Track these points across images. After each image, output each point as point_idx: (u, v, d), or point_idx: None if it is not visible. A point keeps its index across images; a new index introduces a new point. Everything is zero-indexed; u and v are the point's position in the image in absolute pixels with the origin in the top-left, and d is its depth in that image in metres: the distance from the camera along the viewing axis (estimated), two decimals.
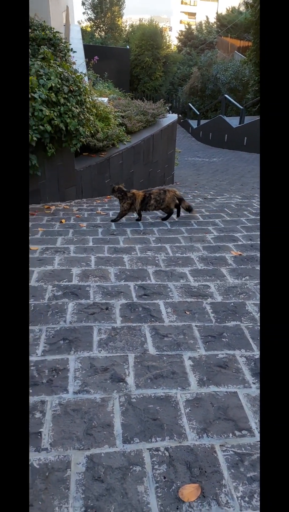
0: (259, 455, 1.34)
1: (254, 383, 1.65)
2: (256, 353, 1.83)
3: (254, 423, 1.46)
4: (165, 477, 1.25)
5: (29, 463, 1.27)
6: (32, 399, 1.52)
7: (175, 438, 1.39)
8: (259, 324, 2.06)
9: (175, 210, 3.94)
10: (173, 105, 25.30)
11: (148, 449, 1.35)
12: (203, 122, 18.55)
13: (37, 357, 1.75)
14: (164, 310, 2.17)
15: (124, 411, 1.49)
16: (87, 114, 4.38)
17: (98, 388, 1.59)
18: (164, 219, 3.92)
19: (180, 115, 23.88)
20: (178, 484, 1.23)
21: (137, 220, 3.94)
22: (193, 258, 2.90)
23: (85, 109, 4.36)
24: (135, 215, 3.97)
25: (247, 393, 1.60)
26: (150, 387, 1.61)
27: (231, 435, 1.41)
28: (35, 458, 1.29)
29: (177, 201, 3.86)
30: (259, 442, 1.38)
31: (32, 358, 1.75)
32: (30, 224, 3.64)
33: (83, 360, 1.74)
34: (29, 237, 3.23)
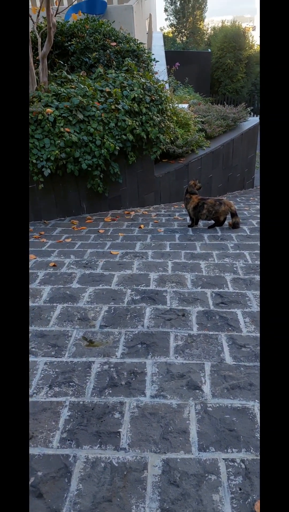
0: None
1: None
2: None
3: None
4: (240, 489, 1.24)
5: (109, 461, 1.34)
6: (112, 400, 1.60)
7: (251, 450, 1.37)
8: None
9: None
10: (255, 106, 24.61)
11: (223, 459, 1.35)
12: None
13: (117, 359, 1.83)
14: (242, 320, 2.14)
15: (200, 419, 1.50)
16: (168, 122, 4.46)
17: (175, 394, 1.62)
18: (210, 226, 3.82)
19: None
20: (254, 497, 1.22)
21: (189, 226, 3.86)
22: None
23: (166, 117, 4.44)
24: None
25: None
26: (226, 397, 1.61)
27: None
28: (114, 456, 1.36)
29: (230, 215, 3.74)
30: None
31: (112, 360, 1.83)
32: (111, 229, 3.80)
33: (160, 365, 1.78)
34: (110, 242, 3.37)
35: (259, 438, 1.41)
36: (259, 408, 1.54)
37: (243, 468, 1.31)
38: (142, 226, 3.90)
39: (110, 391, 1.64)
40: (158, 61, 5.79)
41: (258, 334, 2.00)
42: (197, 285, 2.55)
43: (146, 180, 4.72)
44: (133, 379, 1.70)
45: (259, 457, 1.34)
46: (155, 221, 4.14)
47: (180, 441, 1.41)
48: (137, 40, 5.24)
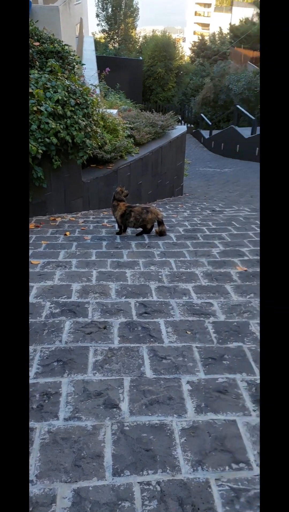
0: (256, 490, 1.25)
1: (254, 410, 1.57)
2: (258, 378, 1.75)
3: (252, 454, 1.38)
4: None
5: None
6: None
7: (167, 471, 1.32)
8: None
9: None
10: (186, 115, 25.38)
11: (138, 482, 1.28)
12: (215, 132, 18.53)
13: (29, 380, 1.70)
14: (164, 330, 2.10)
15: (116, 440, 1.42)
16: (94, 127, 4.37)
17: (90, 415, 1.53)
18: (138, 234, 3.79)
19: (192, 126, 23.93)
20: None
21: (117, 233, 3.80)
22: (197, 274, 2.83)
23: (92, 122, 4.35)
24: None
25: (247, 421, 1.52)
26: (145, 413, 1.54)
27: (227, 468, 1.33)
28: None
29: (156, 224, 3.74)
30: (256, 476, 1.30)
31: None
32: (34, 236, 3.62)
33: (76, 384, 1.68)
34: (32, 251, 3.20)
35: (175, 457, 1.36)
36: (176, 423, 1.50)
37: (158, 491, 1.25)
38: (68, 233, 3.76)
39: None
40: (84, 64, 5.70)
41: (179, 344, 1.97)
42: (121, 295, 2.48)
43: (73, 186, 4.59)
44: (46, 401, 1.58)
45: (174, 477, 1.29)
46: (82, 228, 4.02)
47: (93, 466, 1.32)
48: (62, 41, 5.10)
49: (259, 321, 2.20)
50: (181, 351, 1.92)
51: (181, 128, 6.56)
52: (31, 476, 1.28)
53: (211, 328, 2.13)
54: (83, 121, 4.13)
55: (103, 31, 33.27)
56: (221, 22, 41.72)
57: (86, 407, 1.56)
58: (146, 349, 1.93)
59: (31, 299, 2.37)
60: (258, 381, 1.72)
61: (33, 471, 1.29)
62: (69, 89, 4.09)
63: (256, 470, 1.32)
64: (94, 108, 4.49)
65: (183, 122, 24.75)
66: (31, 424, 1.47)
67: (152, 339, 2.01)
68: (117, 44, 32.60)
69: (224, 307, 2.36)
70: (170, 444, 1.41)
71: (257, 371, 1.80)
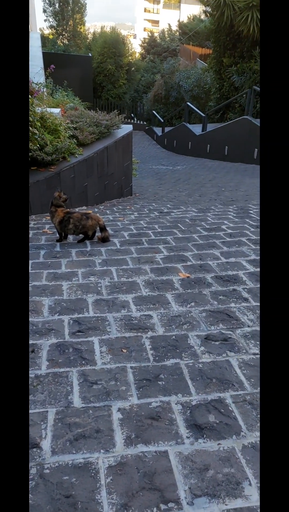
0: None
1: (187, 437, 1.47)
2: (194, 398, 1.66)
3: (183, 491, 1.28)
4: None
5: None
6: None
7: None
8: (199, 361, 1.90)
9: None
10: (138, 112, 25.29)
11: None
12: (167, 129, 18.57)
13: None
14: (98, 350, 1.97)
15: (33, 487, 1.27)
16: (31, 128, 4.14)
17: None
18: (79, 241, 3.63)
19: (145, 123, 23.88)
20: None
21: (58, 240, 3.61)
22: (139, 283, 2.72)
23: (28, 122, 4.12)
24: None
25: (179, 451, 1.42)
26: (69, 451, 1.40)
27: (155, 509, 1.22)
28: None
29: (98, 230, 3.60)
30: None
31: None
32: None
33: None
34: None
35: (99, 501, 1.23)
36: (103, 460, 1.37)
37: None
38: None
39: None
40: None
41: (113, 366, 1.85)
42: (54, 312, 2.32)
43: None
44: None
45: None
46: None
47: None
48: None
49: (197, 333, 2.11)
50: (114, 374, 1.79)
51: (127, 128, 6.42)
52: None
53: (148, 344, 2.02)
54: None
55: (51, 27, 32.51)
56: (170, 19, 41.96)
57: None
58: (76, 373, 1.79)
59: None
60: (193, 402, 1.63)
61: None
62: None
63: (186, 509, 1.22)
64: (30, 109, 4.25)
65: (135, 119, 24.66)
66: None
67: (83, 362, 1.87)
68: (66, 40, 31.96)
69: (164, 319, 2.26)
70: (94, 487, 1.28)
71: (193, 390, 1.71)
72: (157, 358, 1.92)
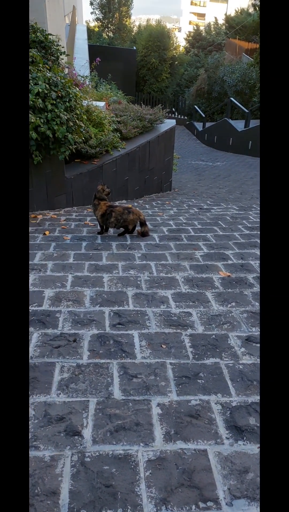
0: None
1: (227, 438, 1.46)
2: (234, 399, 1.64)
3: (222, 491, 1.27)
4: None
5: None
6: None
7: (128, 511, 1.20)
8: (240, 362, 1.87)
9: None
10: (179, 107, 25.08)
11: None
12: (208, 124, 18.32)
13: None
14: (138, 344, 1.98)
15: (75, 473, 1.31)
16: (77, 121, 4.20)
17: (50, 443, 1.41)
18: (120, 234, 3.66)
19: (186, 117, 23.66)
20: None
21: (99, 233, 3.66)
22: (178, 279, 2.71)
23: (74, 116, 4.17)
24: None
25: (218, 451, 1.41)
26: (109, 442, 1.43)
27: (194, 507, 1.22)
28: None
29: (138, 224, 3.62)
30: None
31: None
32: None
33: (37, 407, 1.56)
34: None
35: (138, 494, 1.25)
36: (142, 453, 1.38)
37: None
38: (47, 232, 3.62)
39: None
40: (68, 55, 5.48)
41: (152, 360, 1.86)
42: (95, 303, 2.35)
43: (55, 182, 4.43)
44: None
45: None
46: (63, 226, 3.87)
47: (47, 506, 1.20)
48: (46, 30, 4.89)
49: (238, 334, 2.09)
50: (154, 369, 1.80)
51: (170, 122, 6.39)
52: None
53: (187, 342, 2.01)
54: (65, 115, 3.96)
55: (97, 19, 32.68)
56: (217, 12, 41.21)
57: (45, 434, 1.44)
58: (116, 365, 1.82)
59: None
60: (233, 404, 1.62)
61: None
62: (50, 81, 3.91)
63: (225, 510, 1.21)
64: (77, 102, 4.31)
65: (176, 113, 24.48)
66: None
67: (123, 354, 1.89)
68: (111, 33, 32.06)
69: (203, 317, 2.25)
70: (133, 479, 1.30)
71: (233, 391, 1.69)
72: (196, 356, 1.91)
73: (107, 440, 1.43)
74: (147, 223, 3.70)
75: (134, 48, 24.76)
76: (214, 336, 2.07)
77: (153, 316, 2.24)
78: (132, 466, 1.34)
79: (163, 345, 1.98)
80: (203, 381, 1.74)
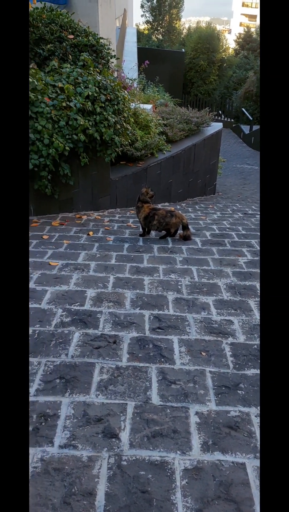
0: None
1: None
2: None
3: (260, 507, 1.23)
4: None
5: None
6: None
7: None
8: None
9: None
10: (226, 109, 24.77)
11: None
12: (255, 127, 17.97)
13: (29, 398, 1.61)
14: (177, 349, 1.97)
15: (111, 476, 1.31)
16: (125, 124, 4.24)
17: (88, 444, 1.42)
18: (162, 237, 3.65)
19: (233, 120, 23.33)
20: None
21: (141, 235, 3.67)
22: (220, 286, 2.67)
23: (122, 119, 4.22)
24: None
25: (257, 465, 1.37)
26: (146, 447, 1.42)
27: None
28: None
29: (181, 227, 3.60)
30: None
31: None
32: (57, 235, 3.56)
33: (77, 406, 1.58)
34: (52, 251, 3.14)
35: (174, 502, 1.24)
36: (179, 461, 1.37)
37: None
38: (91, 233, 3.68)
39: None
40: (118, 58, 5.56)
41: (192, 367, 1.84)
42: (136, 305, 2.36)
43: (100, 183, 4.50)
44: (43, 423, 1.49)
45: None
46: (106, 227, 3.93)
47: (83, 506, 1.22)
48: (98, 34, 4.98)
49: None
50: (193, 376, 1.78)
51: (217, 125, 6.32)
52: None
53: (228, 351, 1.98)
54: (113, 117, 4.01)
55: (147, 22, 32.91)
56: None
57: (84, 434, 1.46)
58: (155, 370, 1.81)
59: (44, 305, 2.29)
60: None
61: None
62: (100, 85, 3.98)
63: None
64: (125, 104, 4.36)
65: (223, 116, 24.19)
66: None
67: (162, 359, 1.89)
68: (160, 35, 32.19)
69: (245, 326, 2.20)
70: (169, 487, 1.29)
71: None
72: (237, 366, 1.87)
73: (144, 445, 1.43)
74: (189, 226, 3.67)
75: (183, 50, 24.71)
76: (255, 346, 2.02)
77: (193, 322, 2.22)
78: (168, 474, 1.33)
79: (202, 353, 1.95)
80: (243, 392, 1.70)
